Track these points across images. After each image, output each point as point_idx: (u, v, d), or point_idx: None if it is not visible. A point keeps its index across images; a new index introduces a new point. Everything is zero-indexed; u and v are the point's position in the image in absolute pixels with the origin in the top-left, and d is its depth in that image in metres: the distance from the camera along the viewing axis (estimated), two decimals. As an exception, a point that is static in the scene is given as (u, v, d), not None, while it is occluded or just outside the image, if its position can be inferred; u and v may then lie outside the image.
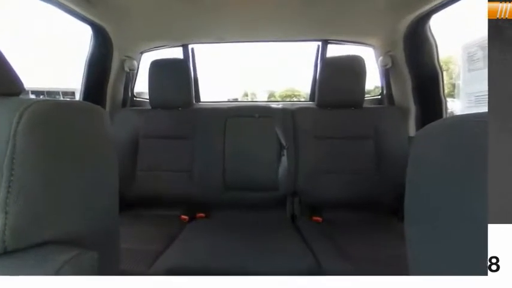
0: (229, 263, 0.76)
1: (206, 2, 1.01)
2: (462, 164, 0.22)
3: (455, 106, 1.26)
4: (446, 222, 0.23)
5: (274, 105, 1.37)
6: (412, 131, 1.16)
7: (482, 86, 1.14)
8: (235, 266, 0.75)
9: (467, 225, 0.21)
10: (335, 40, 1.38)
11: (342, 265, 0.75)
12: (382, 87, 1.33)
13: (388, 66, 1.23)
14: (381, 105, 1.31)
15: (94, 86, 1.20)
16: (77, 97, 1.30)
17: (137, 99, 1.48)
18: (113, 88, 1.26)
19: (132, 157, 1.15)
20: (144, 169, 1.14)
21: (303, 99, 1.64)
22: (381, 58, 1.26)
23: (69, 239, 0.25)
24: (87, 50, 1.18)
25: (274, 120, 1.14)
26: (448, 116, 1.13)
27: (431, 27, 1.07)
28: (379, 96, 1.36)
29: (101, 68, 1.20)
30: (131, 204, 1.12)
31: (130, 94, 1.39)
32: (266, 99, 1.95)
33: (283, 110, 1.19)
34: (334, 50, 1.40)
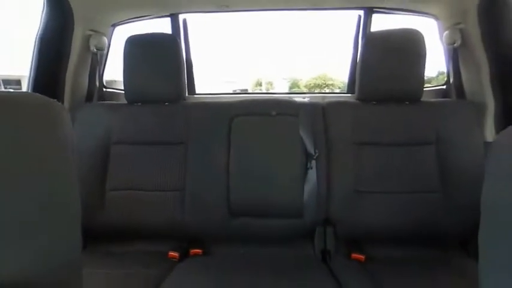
0: None
1: None
2: None
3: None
4: None
5: (298, 98, 1.12)
6: (489, 134, 0.94)
7: None
8: None
9: None
10: (383, 8, 1.12)
11: None
12: (448, 74, 1.08)
13: (456, 45, 0.97)
14: (446, 99, 1.08)
15: (47, 73, 0.95)
16: (24, 87, 1.10)
17: (108, 90, 1.22)
18: (73, 75, 1.01)
19: (100, 170, 0.92)
20: (116, 187, 0.92)
21: (337, 90, 1.39)
22: (446, 33, 1.00)
23: (15, 285, 0.21)
24: (38, 23, 0.93)
25: (298, 120, 0.92)
26: None
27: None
28: (444, 86, 1.12)
29: (56, 47, 0.95)
30: (98, 237, 0.91)
31: (98, 83, 1.13)
32: (287, 91, 1.67)
33: (311, 106, 0.98)
34: (382, 23, 1.16)
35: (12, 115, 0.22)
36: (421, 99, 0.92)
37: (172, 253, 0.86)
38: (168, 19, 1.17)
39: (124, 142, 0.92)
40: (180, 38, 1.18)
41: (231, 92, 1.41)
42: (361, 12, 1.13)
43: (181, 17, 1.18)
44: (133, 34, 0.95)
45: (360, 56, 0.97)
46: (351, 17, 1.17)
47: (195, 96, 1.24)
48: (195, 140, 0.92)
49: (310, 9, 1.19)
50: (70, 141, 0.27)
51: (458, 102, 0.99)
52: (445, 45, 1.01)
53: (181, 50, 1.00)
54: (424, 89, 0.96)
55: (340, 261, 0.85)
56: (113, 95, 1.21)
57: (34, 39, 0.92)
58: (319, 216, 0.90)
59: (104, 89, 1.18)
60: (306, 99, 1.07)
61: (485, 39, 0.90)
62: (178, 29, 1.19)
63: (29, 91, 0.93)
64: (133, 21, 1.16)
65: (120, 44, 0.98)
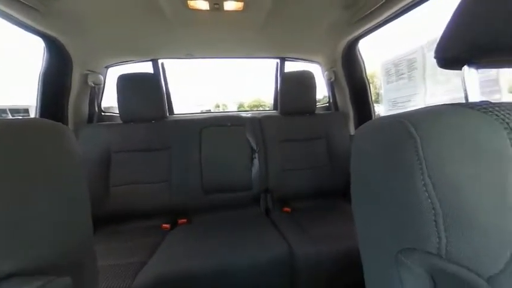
0: (211, 261, 0.76)
1: (174, 20, 1.00)
2: (389, 156, 0.25)
3: (380, 109, 1.48)
4: (383, 204, 0.25)
5: (244, 114, 1.40)
6: (352, 130, 1.33)
7: (396, 94, 1.37)
8: (217, 263, 0.75)
9: (397, 206, 0.23)
10: (290, 58, 1.50)
11: (308, 245, 0.83)
12: (328, 97, 1.51)
13: (332, 80, 1.40)
14: (329, 111, 1.47)
15: (52, 102, 1.05)
16: (32, 114, 1.12)
17: (106, 114, 1.35)
18: (74, 103, 1.13)
19: (104, 173, 1.06)
20: (118, 184, 1.07)
21: (267, 108, 1.70)
22: (326, 73, 1.43)
23: (37, 268, 0.22)
24: (41, 63, 1.02)
25: (245, 128, 1.19)
26: (375, 117, 1.30)
27: (360, 49, 1.28)
28: (327, 104, 1.53)
29: (58, 82, 1.06)
30: (107, 221, 1.04)
31: (97, 109, 1.26)
32: (236, 109, 1.97)
33: (251, 119, 1.25)
34: (292, 66, 1.52)
35: (27, 137, 0.24)
36: (315, 112, 1.27)
37: (164, 225, 1.01)
38: (150, 63, 1.37)
39: (122, 151, 1.07)
40: (160, 76, 1.38)
41: (199, 112, 1.66)
42: (278, 60, 1.50)
43: (160, 61, 1.39)
44: (123, 73, 1.09)
45: (279, 86, 1.27)
46: (273, 63, 1.55)
47: (174, 115, 1.43)
48: (176, 145, 1.11)
49: (246, 58, 1.47)
50: (76, 153, 0.29)
51: (335, 113, 1.39)
52: (325, 80, 1.43)
53: (162, 84, 1.18)
54: (317, 105, 1.36)
55: (277, 214, 1.11)
56: (110, 117, 1.33)
57: (38, 77, 1.01)
58: (262, 187, 1.17)
59: (102, 113, 1.30)
60: (249, 115, 1.35)
61: (346, 76, 1.32)
62: (158, 69, 1.39)
63: (38, 117, 1.01)
64: (123, 64, 1.33)
65: (114, 80, 1.11)
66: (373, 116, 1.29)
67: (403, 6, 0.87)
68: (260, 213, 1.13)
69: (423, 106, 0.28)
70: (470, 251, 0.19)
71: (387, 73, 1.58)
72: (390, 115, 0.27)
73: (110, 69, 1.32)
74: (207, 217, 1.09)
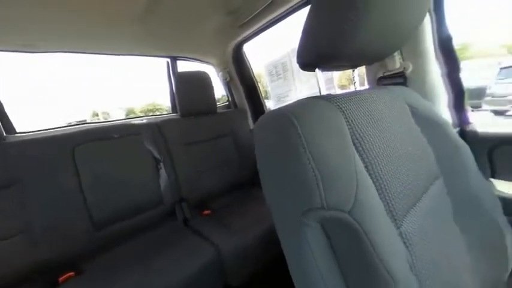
0: None
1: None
2: (281, 141, 0.30)
3: (270, 104, 1.72)
4: (283, 179, 0.30)
5: (137, 121, 1.21)
6: (251, 125, 1.47)
7: (279, 91, 1.66)
8: None
9: (293, 178, 0.29)
10: (182, 57, 1.43)
11: (234, 240, 0.85)
12: (227, 96, 1.58)
13: (228, 80, 1.47)
14: (230, 109, 1.53)
15: None
16: None
17: None
18: None
19: None
20: None
21: (165, 112, 1.53)
22: (220, 73, 1.48)
23: None
24: None
25: (141, 137, 1.04)
26: (267, 111, 1.40)
27: (246, 52, 1.41)
28: (227, 103, 1.60)
29: None
30: None
31: None
32: (124, 117, 1.61)
33: (148, 125, 1.10)
34: (185, 66, 1.45)
35: None
36: (218, 111, 1.29)
37: None
38: None
39: None
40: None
41: (67, 124, 1.20)
42: (169, 60, 1.39)
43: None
44: None
45: (175, 88, 1.19)
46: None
47: (17, 135, 0.98)
48: (33, 176, 0.78)
49: (126, 55, 1.23)
50: None
51: (236, 110, 1.48)
52: (221, 80, 1.48)
53: None
54: (218, 105, 1.39)
55: (197, 220, 1.04)
56: None
57: None
58: (175, 197, 1.07)
59: None
60: (144, 121, 1.19)
61: (238, 76, 1.42)
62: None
63: None
64: None
65: None
66: (265, 110, 1.44)
67: (281, 14, 1.03)
68: (178, 227, 1.04)
69: (296, 99, 0.36)
70: (337, 198, 0.27)
71: (270, 73, 1.89)
72: (277, 108, 0.32)
73: None
74: (107, 258, 0.87)
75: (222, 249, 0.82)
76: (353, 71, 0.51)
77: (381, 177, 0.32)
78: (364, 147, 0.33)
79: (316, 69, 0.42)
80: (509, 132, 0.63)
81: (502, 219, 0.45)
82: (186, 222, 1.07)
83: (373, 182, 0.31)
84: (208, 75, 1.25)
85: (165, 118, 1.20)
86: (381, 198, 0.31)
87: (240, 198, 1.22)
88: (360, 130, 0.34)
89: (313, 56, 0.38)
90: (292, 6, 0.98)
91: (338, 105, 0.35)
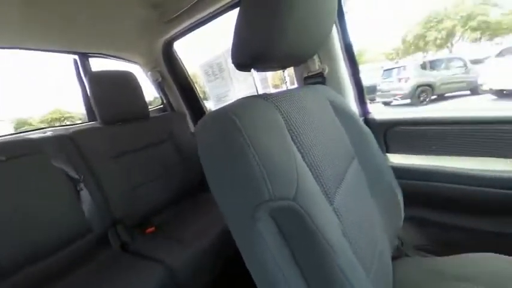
0: None
1: None
2: (226, 140, 0.30)
3: (210, 105, 1.69)
4: (231, 179, 0.31)
5: (37, 134, 0.94)
6: (192, 127, 1.40)
7: (218, 91, 1.65)
8: None
9: (240, 176, 0.29)
10: (95, 54, 1.20)
11: (183, 253, 0.80)
12: (161, 98, 1.44)
13: (159, 80, 1.34)
14: (166, 112, 1.40)
15: None
16: None
17: None
18: None
19: None
20: None
21: (79, 121, 1.25)
22: (149, 73, 1.33)
23: None
24: None
25: (47, 154, 0.82)
26: (208, 112, 1.43)
27: (177, 51, 1.31)
28: (162, 106, 1.46)
29: None
30: None
31: None
32: (14, 131, 1.21)
33: (56, 138, 0.89)
34: (103, 65, 1.25)
35: None
36: (151, 116, 1.15)
37: None
38: None
39: None
40: None
41: None
42: (76, 57, 1.15)
43: None
44: None
45: (89, 91, 0.99)
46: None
47: None
48: None
49: (10, 48, 0.95)
50: None
51: (173, 113, 1.38)
52: (152, 81, 1.34)
53: None
54: (151, 108, 1.27)
55: (139, 242, 0.91)
56: None
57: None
58: (106, 221, 0.90)
59: None
60: (49, 134, 0.95)
61: (172, 76, 1.31)
62: None
63: None
64: None
65: None
66: (206, 111, 1.40)
67: (212, 12, 1.00)
68: (115, 254, 0.88)
69: (236, 99, 0.37)
70: (282, 188, 0.29)
71: (206, 74, 1.84)
72: (218, 109, 0.33)
73: None
74: None
75: (173, 266, 0.75)
76: (283, 71, 0.57)
77: (315, 164, 0.37)
78: (299, 139, 0.37)
79: (252, 70, 0.44)
80: (397, 118, 0.85)
81: (395, 183, 0.61)
82: (124, 246, 0.92)
83: (310, 169, 0.36)
84: (133, 75, 1.10)
85: (79, 128, 0.99)
86: (317, 182, 0.36)
87: (189, 206, 1.15)
88: (295, 125, 0.38)
89: (247, 57, 0.39)
90: (223, 6, 0.98)
91: (274, 103, 0.38)
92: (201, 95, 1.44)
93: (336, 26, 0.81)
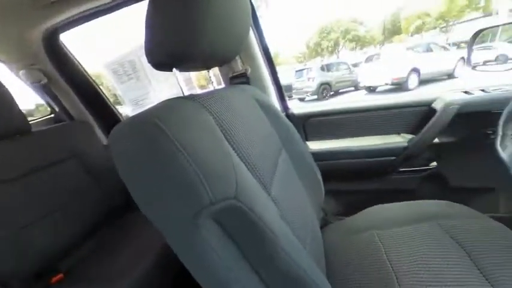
0: None
1: None
2: (151, 148, 0.27)
3: (127, 110, 1.45)
4: (162, 189, 0.28)
5: None
6: (103, 139, 1.15)
7: (134, 93, 1.41)
8: None
9: (172, 185, 0.27)
10: None
11: None
12: (49, 105, 1.10)
13: (44, 82, 1.01)
14: (61, 123, 1.06)
15: None
16: None
17: None
18: None
19: None
20: None
21: None
22: (23, 72, 0.98)
23: None
24: None
25: None
26: (124, 118, 1.17)
27: (68, 46, 1.04)
28: (53, 115, 1.12)
29: None
30: None
31: None
32: None
33: None
34: None
35: None
36: (33, 130, 0.87)
37: None
38: None
39: None
40: None
41: None
42: None
43: None
44: None
45: None
46: None
47: None
48: None
49: None
50: None
51: (73, 124, 1.08)
52: (29, 83, 1.00)
53: None
54: (34, 120, 0.96)
55: None
56: None
57: None
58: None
59: None
60: None
61: (64, 77, 1.03)
62: None
63: None
64: None
65: None
66: (121, 119, 1.21)
67: (111, 1, 0.83)
68: None
69: (159, 101, 0.34)
70: (222, 189, 0.29)
71: (116, 73, 1.54)
72: (138, 114, 0.29)
73: None
74: None
75: None
76: (208, 71, 0.56)
77: (249, 159, 0.40)
78: (232, 137, 0.38)
79: (174, 69, 0.41)
80: (311, 111, 1.03)
81: (314, 165, 0.73)
82: None
83: (245, 165, 0.37)
84: None
85: None
86: (253, 176, 0.38)
87: (112, 234, 0.96)
88: (226, 123, 0.39)
89: (166, 56, 0.36)
90: None
91: (202, 104, 0.37)
92: (112, 99, 1.21)
93: (253, 30, 0.88)
